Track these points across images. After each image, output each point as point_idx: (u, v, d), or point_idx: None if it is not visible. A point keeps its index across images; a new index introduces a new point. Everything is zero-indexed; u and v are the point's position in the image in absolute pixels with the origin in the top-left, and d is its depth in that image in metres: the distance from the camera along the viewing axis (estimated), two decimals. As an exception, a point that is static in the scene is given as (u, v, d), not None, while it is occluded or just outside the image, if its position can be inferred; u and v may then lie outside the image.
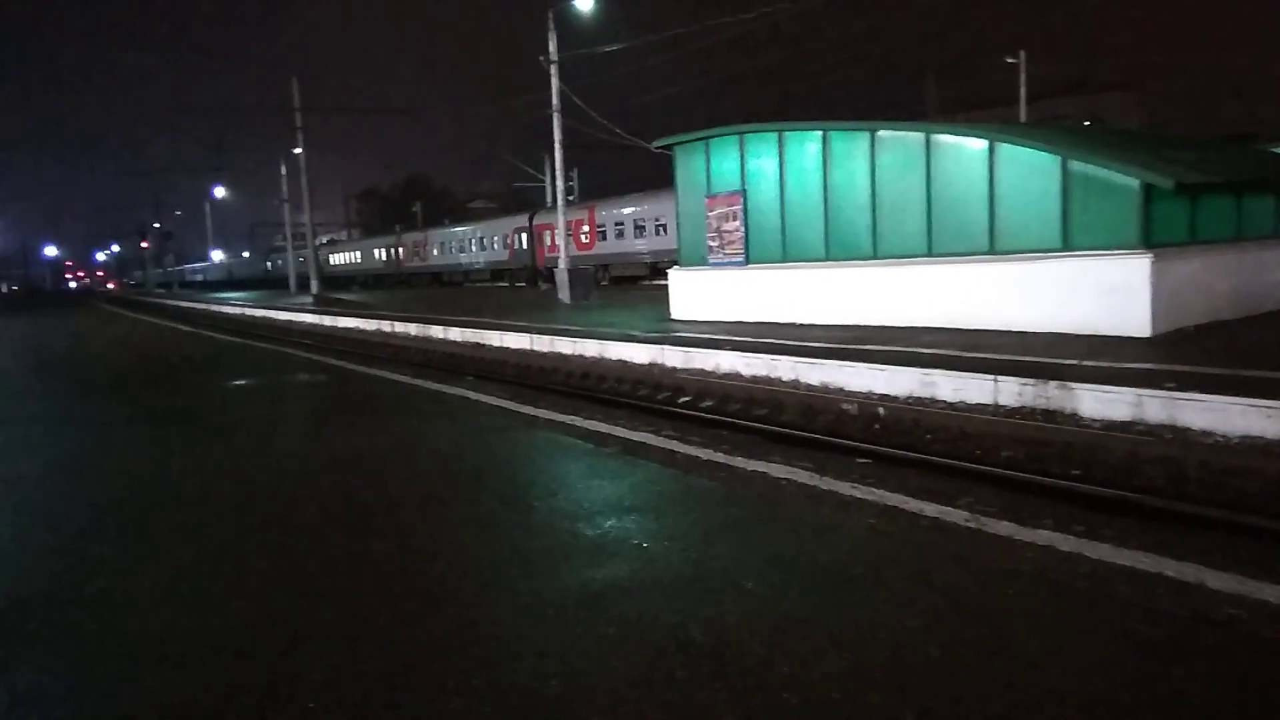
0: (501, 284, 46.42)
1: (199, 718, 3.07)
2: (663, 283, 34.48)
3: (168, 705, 3.16)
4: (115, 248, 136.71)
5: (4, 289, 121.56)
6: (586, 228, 39.32)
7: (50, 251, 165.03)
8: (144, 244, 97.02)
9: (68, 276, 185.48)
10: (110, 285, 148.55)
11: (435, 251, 54.01)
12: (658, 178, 33.00)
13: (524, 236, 44.41)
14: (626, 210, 37.28)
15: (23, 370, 16.28)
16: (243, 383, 13.01)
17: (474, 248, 49.62)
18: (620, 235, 37.40)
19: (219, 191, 69.71)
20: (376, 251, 62.53)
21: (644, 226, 35.86)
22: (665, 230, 33.30)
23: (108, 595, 4.30)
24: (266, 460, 7.37)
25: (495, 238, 47.43)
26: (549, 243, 40.87)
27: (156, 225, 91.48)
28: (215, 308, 44.71)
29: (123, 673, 3.44)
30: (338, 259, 68.23)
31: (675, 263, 18.66)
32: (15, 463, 7.81)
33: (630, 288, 34.06)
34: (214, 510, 5.84)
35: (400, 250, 58.55)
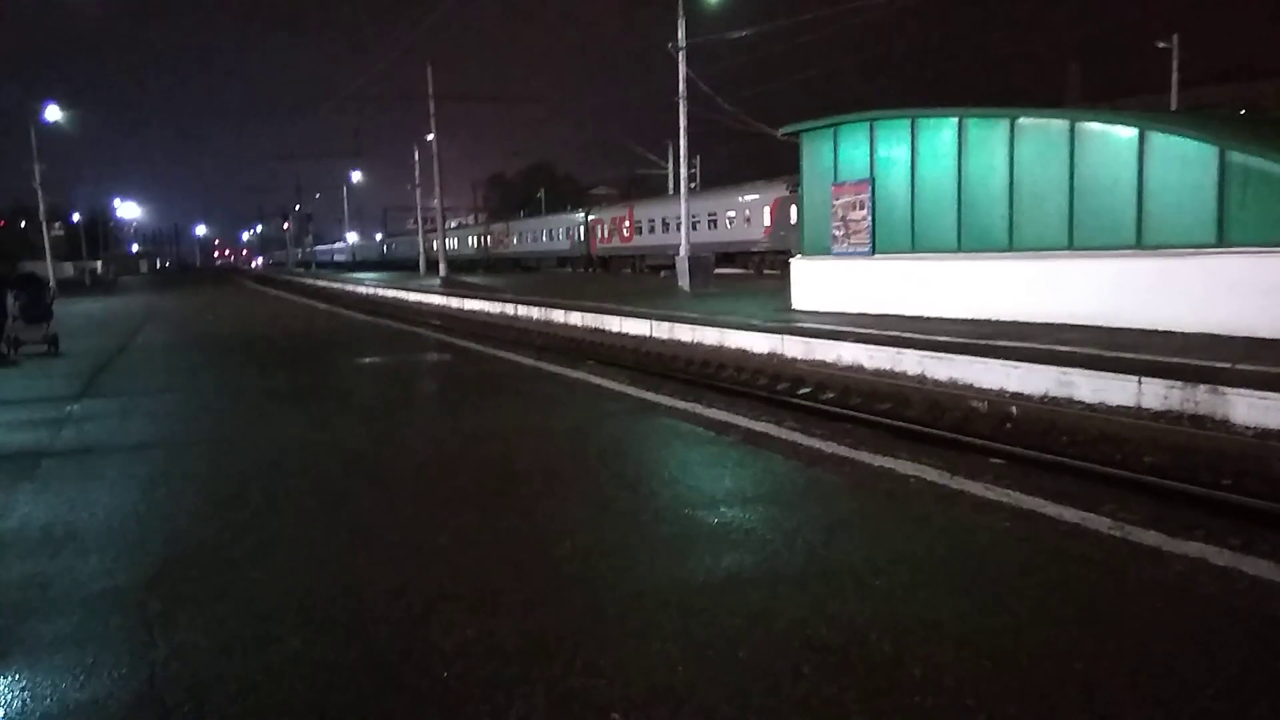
0: (564, 269, 53.57)
1: (342, 679, 3.20)
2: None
3: (310, 662, 3.31)
4: (259, 228, 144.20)
5: (158, 265, 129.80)
6: (628, 223, 45.89)
7: (200, 230, 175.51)
8: (285, 225, 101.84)
9: (215, 254, 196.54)
10: (254, 264, 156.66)
11: (515, 240, 61.53)
12: (780, 166, 34.28)
13: (581, 230, 51.44)
14: (657, 210, 43.42)
15: (181, 345, 17.34)
16: (378, 360, 13.52)
17: (545, 238, 57.29)
18: (652, 231, 43.37)
19: (355, 176, 72.79)
20: (470, 239, 70.50)
21: (669, 224, 40.85)
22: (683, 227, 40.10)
23: (255, 559, 4.53)
24: (400, 436, 7.63)
25: (560, 230, 55.00)
26: (600, 235, 49.06)
27: (297, 207, 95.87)
28: (350, 287, 46.57)
29: (268, 632, 3.61)
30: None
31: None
32: (173, 431, 8.33)
33: (750, 277, 34.04)
34: (351, 482, 6.09)
35: (488, 238, 66.54)
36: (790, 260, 18.75)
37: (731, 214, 37.06)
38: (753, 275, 34.63)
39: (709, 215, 38.59)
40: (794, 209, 32.43)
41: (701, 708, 2.89)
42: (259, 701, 3.06)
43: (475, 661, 3.26)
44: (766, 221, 34.72)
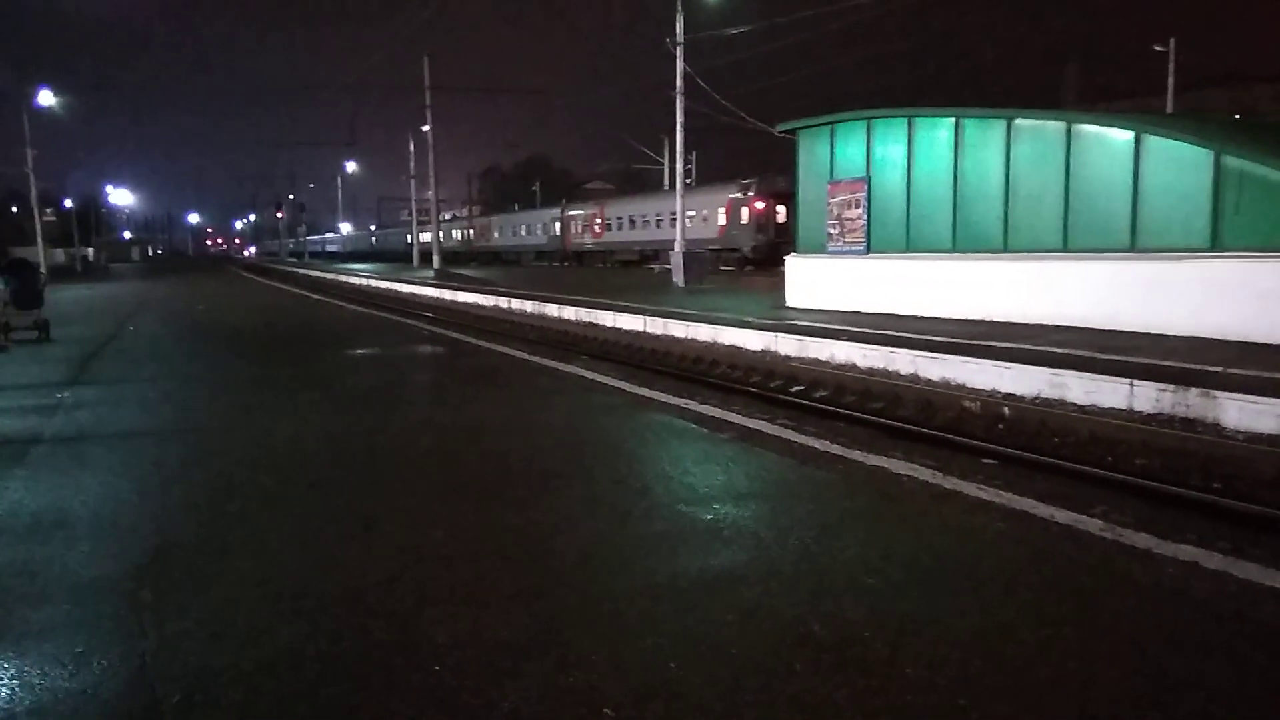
0: (541, 262, 55.34)
1: (333, 670, 3.19)
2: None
3: (303, 655, 3.30)
4: (252, 217, 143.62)
5: (149, 252, 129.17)
6: (599, 221, 48.33)
7: (193, 218, 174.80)
8: (279, 214, 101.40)
9: (208, 243, 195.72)
10: (247, 253, 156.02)
11: (496, 234, 63.43)
12: (777, 163, 34.97)
13: (557, 225, 53.65)
14: (625, 209, 46.43)
15: (173, 333, 17.28)
16: (372, 351, 13.48)
17: (524, 232, 59.63)
18: (620, 228, 46.46)
19: (350, 166, 72.66)
20: (455, 232, 72.32)
21: (635, 222, 44.39)
22: (647, 225, 43.18)
23: (246, 549, 4.52)
24: (393, 429, 7.61)
25: (538, 225, 57.41)
26: (574, 231, 51.52)
27: (291, 196, 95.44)
28: (343, 278, 46.44)
29: (260, 623, 3.60)
30: (426, 237, 74.17)
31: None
32: (165, 420, 8.30)
33: (752, 272, 34.18)
34: (345, 475, 6.08)
35: (472, 232, 68.57)
36: (785, 258, 18.73)
37: (690, 213, 38.41)
38: (715, 270, 35.46)
39: (670, 214, 39.67)
40: (744, 210, 35.08)
41: (694, 704, 2.89)
42: (250, 692, 3.05)
43: (468, 655, 3.25)
44: (721, 221, 36.84)
